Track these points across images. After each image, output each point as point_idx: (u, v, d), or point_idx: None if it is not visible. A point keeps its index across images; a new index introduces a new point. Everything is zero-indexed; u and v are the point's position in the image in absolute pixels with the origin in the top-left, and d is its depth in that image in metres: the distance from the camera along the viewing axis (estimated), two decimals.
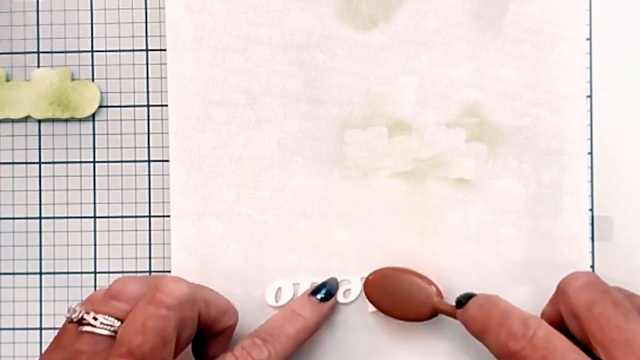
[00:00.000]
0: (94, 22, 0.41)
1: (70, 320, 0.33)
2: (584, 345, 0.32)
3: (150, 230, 0.40)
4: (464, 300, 0.35)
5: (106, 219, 0.41)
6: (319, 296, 0.38)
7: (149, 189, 0.41)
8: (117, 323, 0.32)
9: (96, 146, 0.41)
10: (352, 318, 0.39)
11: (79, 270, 0.41)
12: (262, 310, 0.39)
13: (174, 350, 0.32)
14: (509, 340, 0.32)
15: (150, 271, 0.40)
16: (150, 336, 0.31)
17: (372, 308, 0.38)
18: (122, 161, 0.41)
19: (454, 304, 0.36)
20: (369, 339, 0.39)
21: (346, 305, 0.39)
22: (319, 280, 0.38)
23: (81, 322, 0.33)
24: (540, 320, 0.32)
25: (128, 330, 0.32)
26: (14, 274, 0.41)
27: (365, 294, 0.38)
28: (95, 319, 0.32)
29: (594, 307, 0.31)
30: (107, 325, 0.32)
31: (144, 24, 0.40)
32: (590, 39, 0.38)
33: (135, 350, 0.31)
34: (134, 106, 0.41)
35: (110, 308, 0.33)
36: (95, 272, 0.41)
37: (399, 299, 0.37)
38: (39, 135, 0.41)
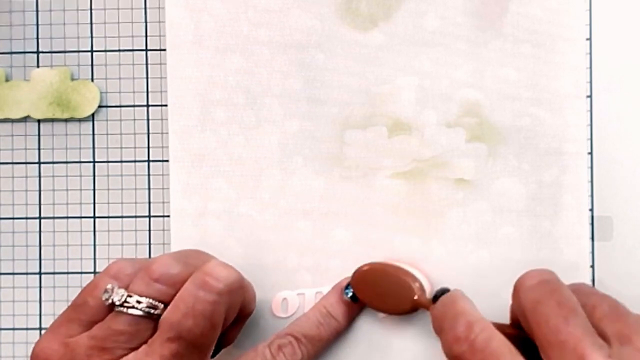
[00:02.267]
0: (93, 22, 0.41)
1: (111, 304, 0.32)
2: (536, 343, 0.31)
3: (150, 230, 0.40)
4: (438, 295, 0.35)
5: (106, 219, 0.41)
6: (351, 291, 0.38)
7: (149, 189, 0.40)
8: (161, 306, 0.32)
9: (96, 146, 0.41)
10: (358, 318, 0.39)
11: (79, 270, 0.41)
12: (262, 310, 0.39)
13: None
14: (453, 343, 0.32)
15: None
16: (200, 320, 0.31)
17: (382, 314, 0.38)
18: (122, 161, 0.41)
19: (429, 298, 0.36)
20: (368, 340, 0.39)
21: None
22: (322, 289, 0.39)
23: (122, 304, 0.32)
24: (485, 324, 0.32)
25: (177, 314, 0.32)
26: (14, 274, 0.41)
27: (352, 287, 0.38)
28: (139, 302, 0.32)
29: (537, 307, 0.31)
30: (151, 308, 0.32)
31: (144, 24, 0.40)
32: (590, 39, 0.38)
33: (185, 334, 0.31)
34: (134, 106, 0.41)
35: (154, 291, 0.32)
36: (95, 272, 0.41)
37: (383, 293, 0.37)
38: (39, 135, 0.41)
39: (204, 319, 0.32)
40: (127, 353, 0.32)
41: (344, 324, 0.38)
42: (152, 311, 0.32)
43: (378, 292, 0.37)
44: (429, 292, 0.37)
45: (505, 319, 0.35)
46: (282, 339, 0.36)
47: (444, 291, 0.35)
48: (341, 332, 0.38)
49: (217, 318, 0.32)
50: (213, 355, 0.35)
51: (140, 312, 0.32)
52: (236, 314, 0.35)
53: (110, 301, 0.32)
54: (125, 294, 0.32)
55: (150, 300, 0.32)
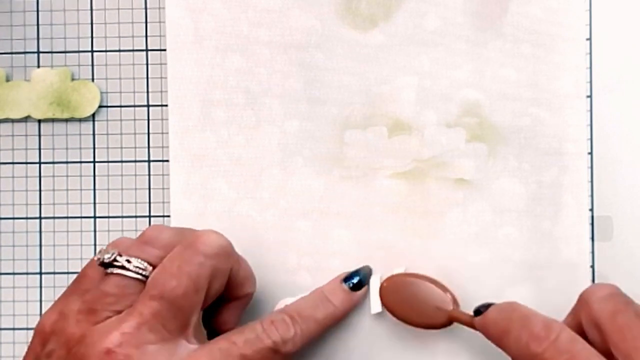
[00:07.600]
0: (94, 22, 0.41)
1: (100, 262, 0.32)
2: (603, 356, 0.31)
3: None
4: (482, 309, 0.35)
5: (106, 219, 0.41)
6: (350, 284, 0.38)
7: (149, 189, 0.41)
8: (150, 268, 0.32)
9: (96, 146, 0.41)
10: (354, 319, 0.39)
11: (79, 270, 0.41)
12: (263, 311, 0.39)
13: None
14: (531, 342, 0.31)
15: None
16: (184, 281, 0.32)
17: (375, 309, 0.38)
18: (122, 161, 0.41)
19: (468, 312, 0.36)
20: (370, 340, 0.39)
21: None
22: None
23: (112, 264, 0.32)
24: (562, 325, 0.32)
25: (162, 274, 0.32)
26: (14, 274, 0.41)
27: (381, 300, 0.37)
28: (128, 261, 0.32)
29: (617, 317, 0.31)
30: (140, 269, 0.32)
31: (144, 24, 0.41)
32: (590, 39, 0.38)
33: (167, 293, 0.31)
34: (134, 106, 0.41)
35: (144, 253, 0.33)
36: None
37: (415, 305, 0.37)
38: (39, 135, 0.41)
39: (189, 280, 0.32)
40: (113, 315, 0.32)
41: (341, 309, 0.37)
42: (141, 272, 0.32)
43: (409, 306, 0.37)
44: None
45: None
46: (274, 316, 0.35)
47: (489, 304, 0.35)
48: (340, 317, 0.37)
49: (201, 281, 0.32)
50: (210, 337, 0.35)
51: (129, 273, 0.32)
52: (223, 284, 0.34)
53: (101, 260, 0.32)
54: (116, 252, 0.32)
55: (140, 261, 0.32)
